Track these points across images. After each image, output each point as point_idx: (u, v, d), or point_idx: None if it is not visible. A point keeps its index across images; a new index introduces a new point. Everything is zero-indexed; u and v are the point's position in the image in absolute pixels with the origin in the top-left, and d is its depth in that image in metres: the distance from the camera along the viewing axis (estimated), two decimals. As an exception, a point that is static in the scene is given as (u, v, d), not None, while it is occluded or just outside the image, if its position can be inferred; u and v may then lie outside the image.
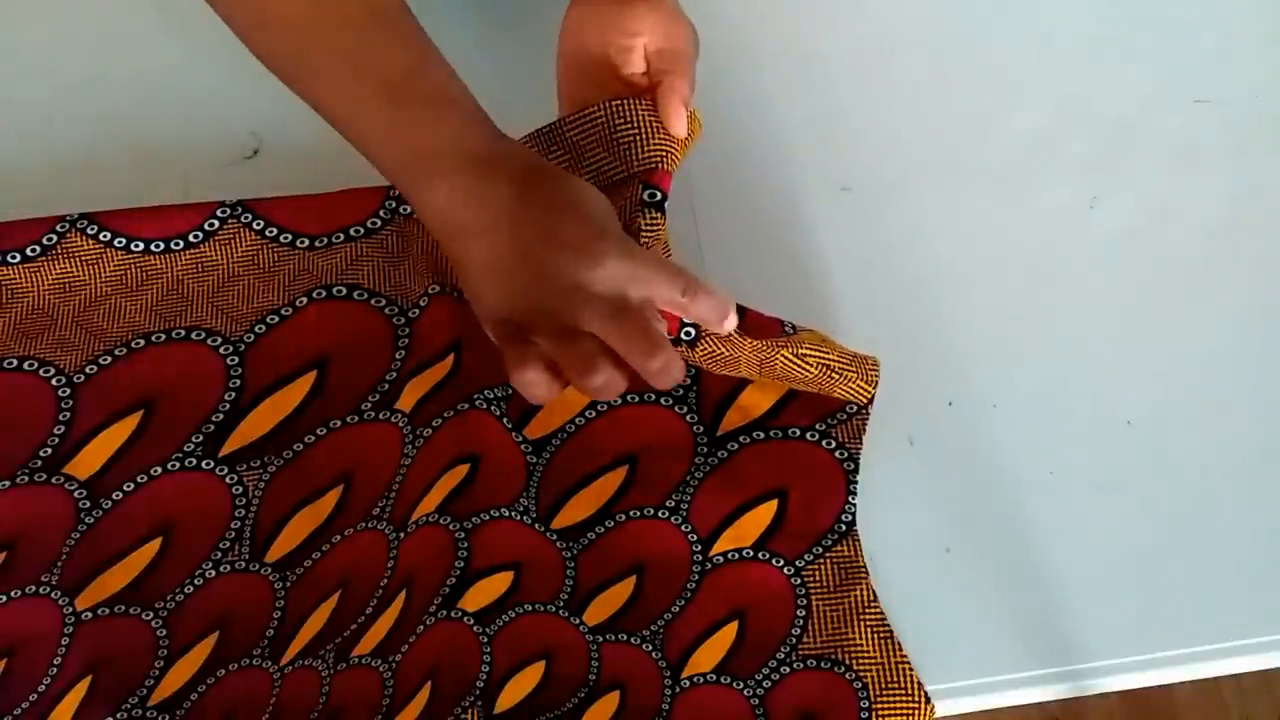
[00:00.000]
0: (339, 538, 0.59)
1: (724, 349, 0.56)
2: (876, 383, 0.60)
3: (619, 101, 0.58)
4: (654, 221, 0.56)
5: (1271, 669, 0.61)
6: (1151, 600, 0.61)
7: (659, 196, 0.57)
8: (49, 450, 0.59)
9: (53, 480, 0.58)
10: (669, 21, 0.58)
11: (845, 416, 0.62)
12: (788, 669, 0.59)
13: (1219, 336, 0.66)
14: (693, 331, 0.55)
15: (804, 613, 0.60)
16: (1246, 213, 0.69)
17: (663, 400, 0.62)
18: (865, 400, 0.60)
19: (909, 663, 0.58)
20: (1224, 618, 0.61)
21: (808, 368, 0.57)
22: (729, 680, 0.59)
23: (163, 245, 0.62)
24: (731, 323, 0.53)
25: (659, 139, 0.57)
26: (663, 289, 0.51)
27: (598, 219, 0.52)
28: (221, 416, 0.60)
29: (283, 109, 0.67)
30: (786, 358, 0.57)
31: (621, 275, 0.50)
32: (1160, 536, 0.62)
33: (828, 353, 0.58)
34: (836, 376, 0.58)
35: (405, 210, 0.64)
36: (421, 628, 0.59)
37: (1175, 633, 0.60)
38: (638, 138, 0.57)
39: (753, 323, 0.58)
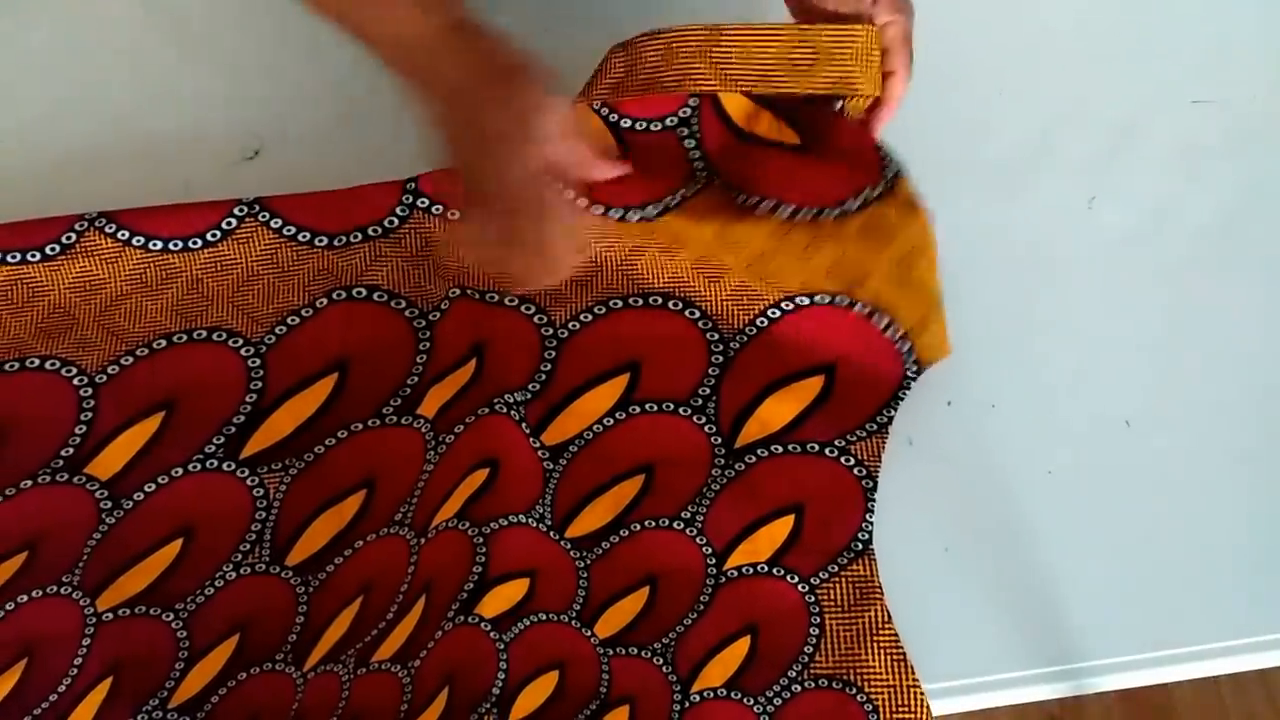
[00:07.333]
0: (361, 543, 0.59)
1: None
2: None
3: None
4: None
5: (1270, 669, 0.62)
6: (1150, 600, 0.61)
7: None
8: (70, 450, 0.59)
9: (74, 480, 0.58)
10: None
11: (865, 434, 0.62)
12: (799, 687, 0.59)
13: (1218, 336, 0.66)
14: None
15: (817, 631, 0.60)
16: (1245, 213, 0.69)
17: (681, 410, 0.62)
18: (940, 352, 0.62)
19: (920, 686, 0.59)
20: (1223, 617, 0.61)
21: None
22: (739, 696, 0.59)
23: (181, 244, 0.62)
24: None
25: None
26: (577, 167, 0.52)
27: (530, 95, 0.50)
28: (243, 418, 0.60)
29: (283, 109, 0.67)
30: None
31: (531, 163, 0.49)
32: (1159, 536, 0.62)
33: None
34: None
35: (423, 204, 0.63)
36: (440, 633, 0.60)
37: (1173, 632, 0.61)
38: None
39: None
